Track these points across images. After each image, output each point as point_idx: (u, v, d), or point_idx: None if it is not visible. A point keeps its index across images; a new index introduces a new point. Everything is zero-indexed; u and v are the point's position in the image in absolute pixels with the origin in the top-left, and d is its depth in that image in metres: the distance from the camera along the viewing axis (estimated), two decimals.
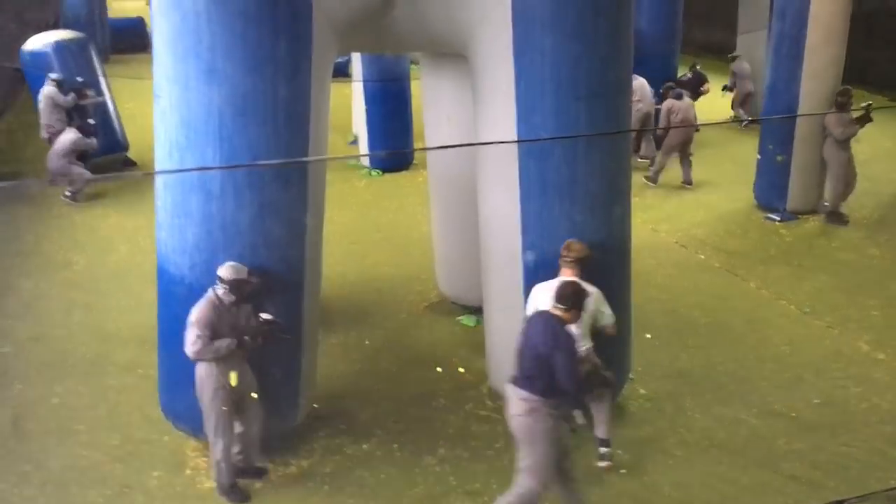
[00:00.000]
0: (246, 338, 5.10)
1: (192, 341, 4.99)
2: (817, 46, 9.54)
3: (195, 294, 5.24)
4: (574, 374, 4.63)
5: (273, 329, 5.22)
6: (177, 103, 5.18)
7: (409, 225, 10.00)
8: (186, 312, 5.14)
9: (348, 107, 13.26)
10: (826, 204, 10.03)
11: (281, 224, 5.35)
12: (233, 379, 5.06)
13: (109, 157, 12.04)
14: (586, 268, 5.38)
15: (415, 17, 5.70)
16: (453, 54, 6.55)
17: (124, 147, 12.49)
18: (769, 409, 6.21)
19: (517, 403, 4.73)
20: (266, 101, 5.13)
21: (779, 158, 10.01)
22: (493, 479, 5.45)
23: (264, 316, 5.19)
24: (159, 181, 5.48)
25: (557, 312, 4.76)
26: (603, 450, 5.58)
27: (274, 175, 5.23)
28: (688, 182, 11.58)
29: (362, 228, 10.05)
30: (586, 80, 5.48)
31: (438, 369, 6.73)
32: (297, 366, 5.66)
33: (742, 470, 5.50)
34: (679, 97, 11.45)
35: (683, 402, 6.33)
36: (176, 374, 5.55)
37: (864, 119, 9.46)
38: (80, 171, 10.78)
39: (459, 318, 7.68)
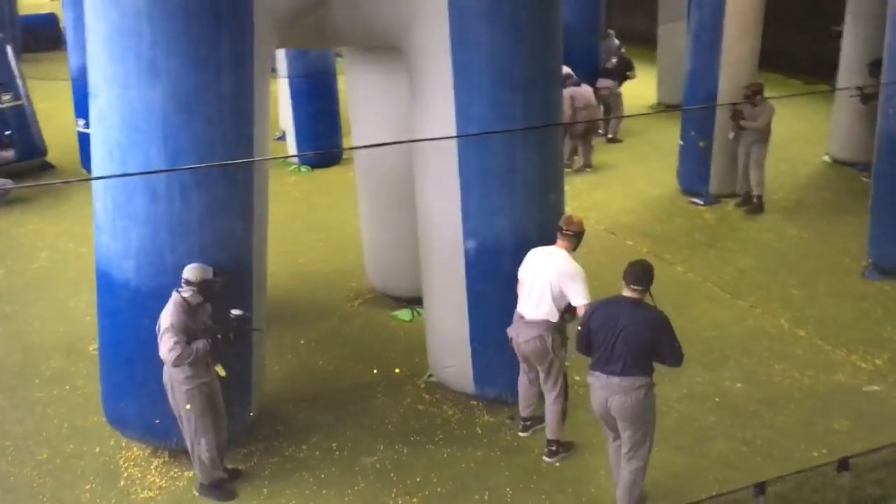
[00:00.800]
0: (219, 336, 5.07)
1: (169, 348, 4.89)
2: (734, 36, 9.82)
3: (141, 297, 5.20)
4: (680, 352, 4.79)
5: (244, 323, 5.20)
6: (116, 103, 5.09)
7: (341, 221, 9.94)
8: (132, 317, 5.11)
9: (274, 102, 13.06)
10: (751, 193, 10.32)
11: (229, 221, 5.32)
12: (220, 370, 5.06)
13: (27, 163, 11.64)
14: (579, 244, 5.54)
15: (351, 12, 5.73)
16: (381, 48, 6.59)
17: (42, 152, 12.09)
18: (698, 390, 6.40)
19: (623, 387, 4.74)
20: (210, 96, 5.10)
21: (700, 144, 10.28)
22: (434, 474, 5.50)
23: (235, 311, 5.15)
24: (99, 182, 5.34)
25: (636, 295, 4.85)
26: (552, 447, 5.68)
27: (221, 172, 5.18)
28: (588, 165, 11.98)
29: (294, 226, 9.95)
30: (522, 71, 5.63)
31: (374, 371, 6.72)
32: (249, 364, 5.63)
33: (674, 452, 5.66)
34: (578, 84, 11.70)
35: None
36: (122, 381, 5.48)
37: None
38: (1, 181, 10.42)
39: (394, 312, 7.70)
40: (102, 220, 5.34)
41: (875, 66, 10.32)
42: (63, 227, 9.73)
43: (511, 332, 5.55)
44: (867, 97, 10.37)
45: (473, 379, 6.17)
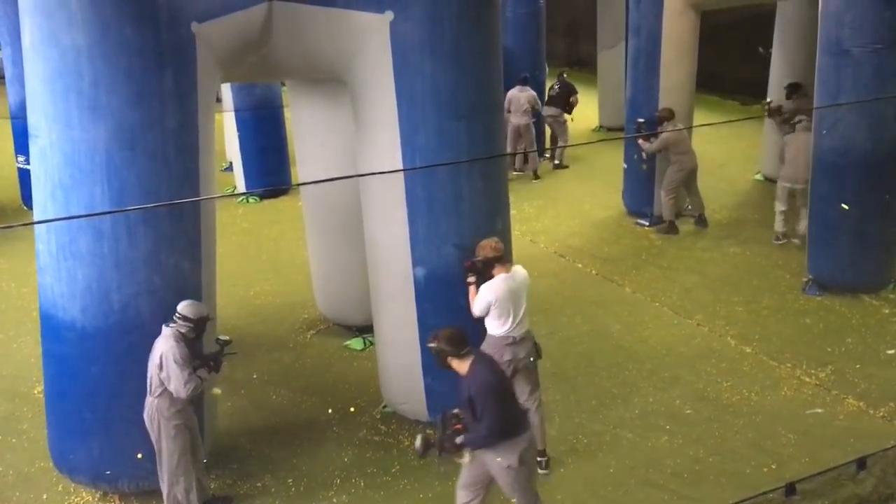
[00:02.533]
0: (211, 363, 5.12)
1: (185, 380, 4.91)
2: (671, 61, 10.11)
3: (88, 338, 5.12)
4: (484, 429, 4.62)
5: (227, 348, 5.23)
6: (58, 142, 5.01)
7: (290, 252, 9.89)
8: (79, 359, 5.03)
9: (220, 133, 12.99)
10: (690, 208, 10.58)
11: (177, 258, 5.27)
12: (217, 391, 5.20)
13: None
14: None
15: (294, 45, 5.76)
16: (324, 80, 6.64)
17: None
18: (650, 409, 6.50)
19: (510, 455, 4.60)
20: (154, 133, 5.06)
21: (643, 167, 10.51)
22: None
23: (222, 337, 5.24)
24: (41, 224, 5.25)
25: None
26: (540, 459, 5.70)
27: (167, 209, 5.13)
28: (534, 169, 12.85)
29: (243, 259, 9.87)
30: (465, 101, 5.73)
31: (329, 403, 6.68)
32: (202, 400, 5.54)
33: (629, 472, 5.74)
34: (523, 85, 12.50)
35: (571, 409, 6.54)
36: (70, 425, 5.35)
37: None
38: None
39: (346, 342, 7.67)
40: (46, 262, 5.23)
41: (791, 89, 10.77)
42: (2, 267, 9.48)
43: (507, 355, 5.52)
44: (773, 112, 10.85)
45: (427, 407, 6.17)
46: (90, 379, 5.15)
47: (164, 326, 5.02)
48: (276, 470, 5.86)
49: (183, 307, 5.02)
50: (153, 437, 5.08)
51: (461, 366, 4.67)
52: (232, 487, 5.68)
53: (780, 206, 9.77)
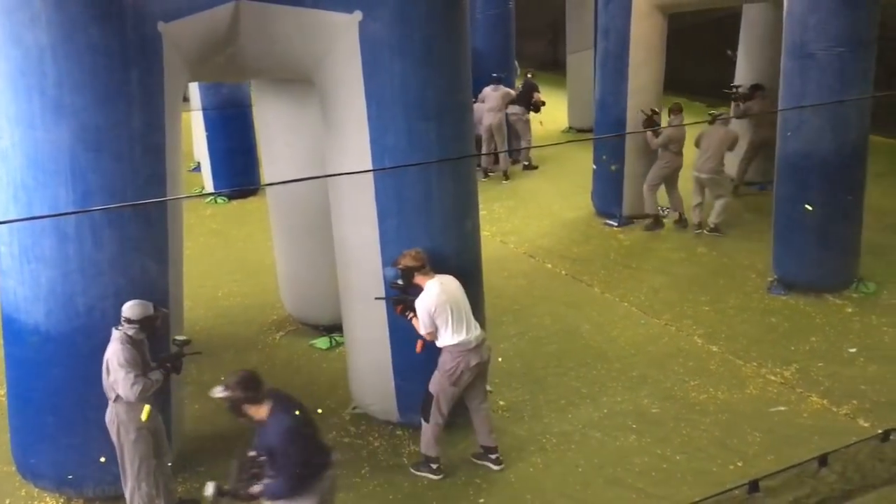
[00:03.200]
0: (169, 364, 5.01)
1: (131, 383, 4.77)
2: (639, 64, 10.20)
3: (52, 342, 5.04)
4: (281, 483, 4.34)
5: (186, 349, 5.13)
6: (21, 143, 4.93)
7: (259, 253, 9.82)
8: (43, 363, 4.95)
9: (188, 133, 12.89)
10: (667, 210, 10.69)
11: (144, 260, 5.21)
12: (145, 413, 4.90)
13: None
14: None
15: (262, 45, 5.72)
16: (291, 80, 6.61)
17: None
18: (619, 408, 6.55)
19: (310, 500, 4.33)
20: (120, 134, 5.00)
21: (612, 168, 10.59)
22: None
23: (179, 338, 5.12)
24: (3, 226, 5.15)
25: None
26: (493, 455, 5.77)
27: (133, 210, 5.08)
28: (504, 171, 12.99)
29: (211, 260, 9.79)
30: (434, 101, 5.73)
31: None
32: (169, 402, 5.50)
33: (597, 471, 5.77)
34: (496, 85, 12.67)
35: (540, 409, 6.57)
36: (34, 429, 5.28)
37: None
38: None
39: (312, 341, 7.64)
40: (8, 265, 5.15)
41: (754, 89, 11.00)
42: None
43: (463, 363, 5.50)
44: (739, 97, 11.14)
45: (398, 408, 6.17)
46: (53, 383, 5.08)
47: (113, 330, 4.91)
48: None
49: (126, 308, 4.91)
50: (115, 442, 5.00)
51: (259, 411, 4.28)
52: (199, 491, 5.61)
53: (695, 199, 10.18)
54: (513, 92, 13.02)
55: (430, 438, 5.67)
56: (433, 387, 5.61)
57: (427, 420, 5.64)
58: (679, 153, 10.15)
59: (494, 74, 12.69)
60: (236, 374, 4.33)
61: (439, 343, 5.54)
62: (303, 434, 4.30)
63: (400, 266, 5.59)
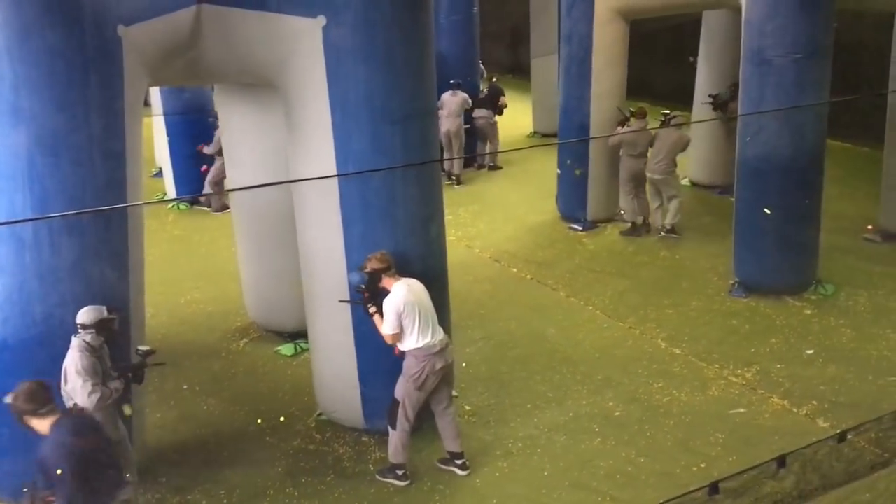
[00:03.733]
0: (129, 374, 4.93)
1: (89, 392, 4.66)
2: (602, 69, 10.29)
3: (10, 350, 4.97)
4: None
5: (149, 359, 5.05)
6: None
7: (222, 259, 9.71)
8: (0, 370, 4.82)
9: (150, 138, 12.72)
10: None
11: (103, 267, 5.13)
12: (127, 408, 4.89)
13: None
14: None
15: (224, 49, 5.68)
16: (254, 85, 6.56)
17: None
18: (584, 411, 6.59)
19: None
20: (79, 138, 4.93)
21: (577, 172, 10.66)
22: None
23: (142, 348, 5.04)
24: None
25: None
26: (458, 461, 5.77)
27: (92, 217, 4.99)
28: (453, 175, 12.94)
29: (173, 266, 9.66)
30: (399, 106, 5.72)
31: (262, 412, 6.59)
32: (129, 421, 5.37)
33: (563, 473, 5.80)
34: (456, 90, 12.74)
35: (506, 413, 6.58)
36: None
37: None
38: None
39: (277, 348, 7.59)
40: None
41: (734, 89, 11.13)
42: None
43: (428, 367, 5.49)
44: (718, 105, 11.24)
45: (364, 414, 6.14)
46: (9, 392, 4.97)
47: (72, 338, 4.83)
48: (206, 482, 5.74)
49: (80, 315, 4.83)
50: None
51: (41, 425, 4.15)
52: (161, 502, 5.55)
53: (654, 202, 10.40)
54: (469, 99, 13.01)
55: (398, 445, 5.66)
56: (399, 392, 5.59)
57: (394, 427, 5.62)
58: (638, 156, 10.24)
59: (452, 81, 12.72)
60: (27, 383, 4.22)
61: (404, 346, 5.52)
62: (82, 454, 4.12)
63: (367, 269, 5.56)
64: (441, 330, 5.63)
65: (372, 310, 5.57)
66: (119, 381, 4.91)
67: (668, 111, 10.36)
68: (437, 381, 5.59)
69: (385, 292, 5.54)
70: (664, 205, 10.35)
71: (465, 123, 13.30)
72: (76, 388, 4.72)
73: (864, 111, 10.94)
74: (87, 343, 4.81)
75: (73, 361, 4.73)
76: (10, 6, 4.67)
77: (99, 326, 4.83)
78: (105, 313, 4.88)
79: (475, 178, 13.35)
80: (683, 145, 10.14)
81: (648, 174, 10.19)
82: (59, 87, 4.83)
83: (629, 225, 10.53)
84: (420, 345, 5.48)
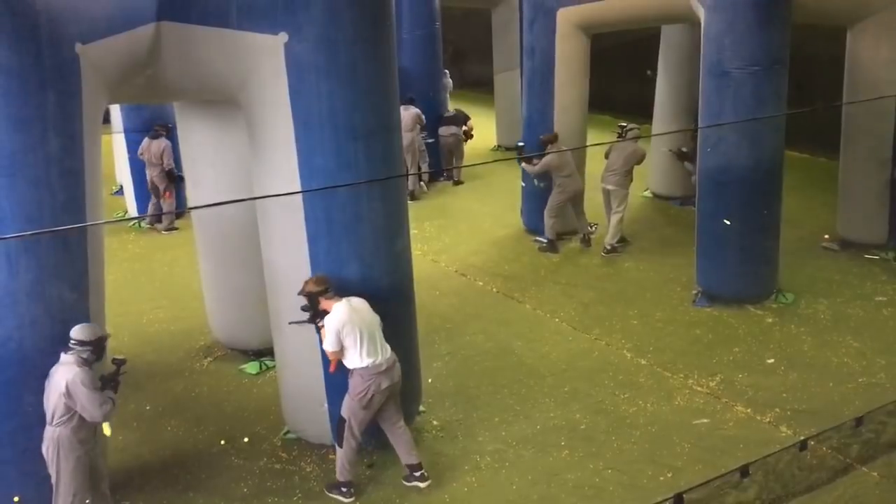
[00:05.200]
0: (112, 384, 5.02)
1: (100, 402, 4.83)
2: (565, 82, 10.40)
3: None
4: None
5: (123, 368, 5.11)
6: None
7: (185, 277, 9.60)
8: None
9: (110, 155, 12.56)
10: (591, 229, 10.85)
11: (62, 288, 5.05)
12: (107, 429, 4.98)
13: None
14: None
15: (185, 67, 5.64)
16: (214, 102, 6.52)
17: None
18: (551, 424, 6.60)
19: None
20: (36, 158, 4.84)
21: (540, 185, 10.73)
22: None
23: (117, 357, 5.09)
24: None
25: None
26: (417, 473, 5.74)
27: (50, 238, 4.92)
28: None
29: (134, 285, 9.53)
30: (362, 121, 5.71)
31: (227, 432, 6.50)
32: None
33: (531, 487, 5.80)
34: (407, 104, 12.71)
35: (474, 427, 6.57)
36: None
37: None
38: None
39: (242, 366, 7.51)
40: None
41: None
42: None
43: (373, 386, 5.48)
44: (682, 155, 11.44)
45: (331, 430, 6.08)
46: None
47: (62, 354, 4.87)
48: None
49: (77, 332, 4.89)
50: (51, 470, 4.87)
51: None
52: None
53: (606, 213, 10.48)
54: (422, 115, 13.02)
55: (344, 463, 5.65)
56: (345, 411, 5.58)
57: (340, 445, 5.62)
58: (570, 176, 10.31)
59: (407, 96, 12.71)
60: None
61: (349, 364, 5.52)
62: None
63: (304, 292, 5.58)
64: (388, 348, 5.61)
65: (320, 324, 5.58)
66: (111, 391, 4.98)
67: (624, 123, 10.49)
68: (383, 400, 5.58)
69: (327, 313, 5.55)
70: (584, 218, 10.56)
71: (431, 139, 13.36)
72: (85, 402, 4.78)
73: (821, 122, 11.17)
74: (83, 359, 4.85)
75: (79, 376, 4.78)
76: None
77: (96, 344, 4.91)
78: (101, 332, 4.99)
79: (440, 192, 13.39)
80: (639, 158, 10.25)
81: (603, 185, 10.32)
82: (15, 106, 4.75)
83: (548, 243, 10.54)
84: (365, 364, 5.48)
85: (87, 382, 4.80)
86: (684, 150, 11.48)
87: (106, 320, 5.67)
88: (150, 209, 11.48)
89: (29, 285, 4.91)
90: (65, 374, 4.78)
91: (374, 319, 5.57)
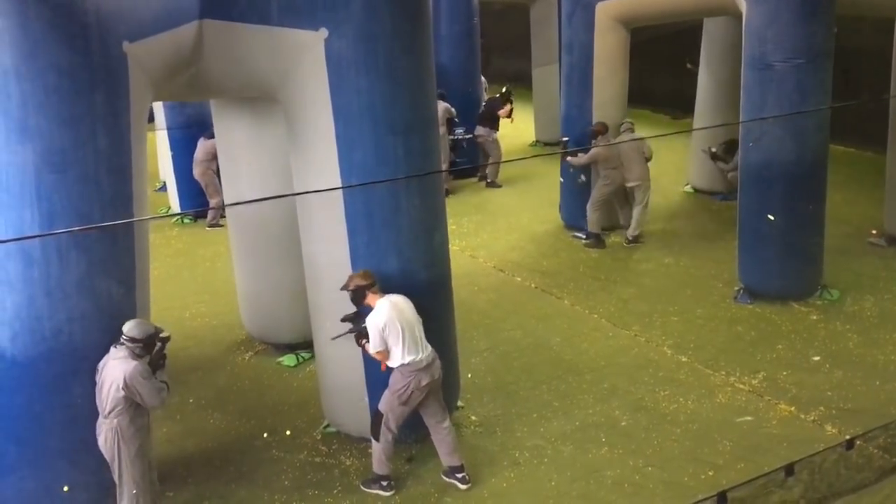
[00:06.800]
0: (160, 362, 5.16)
1: (158, 389, 5.00)
2: (603, 76, 10.31)
3: (18, 367, 4.96)
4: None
5: (165, 345, 5.21)
6: None
7: (226, 272, 9.69)
8: (8, 388, 4.91)
9: (153, 153, 12.77)
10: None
11: (110, 282, 5.14)
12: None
13: None
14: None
15: (227, 64, 5.71)
16: (250, 100, 6.60)
17: None
18: (590, 420, 6.57)
19: None
20: (86, 155, 4.94)
21: (580, 180, 10.67)
22: None
23: (162, 334, 5.17)
24: None
25: None
26: (459, 475, 5.75)
27: (99, 232, 5.02)
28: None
29: (177, 280, 9.68)
30: (400, 116, 5.75)
31: (268, 425, 6.58)
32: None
33: (571, 483, 5.78)
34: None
35: (512, 423, 6.56)
36: (2, 458, 5.15)
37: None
38: None
39: (279, 359, 7.59)
40: None
41: (728, 146, 11.12)
42: None
43: (413, 383, 5.51)
44: (715, 156, 11.34)
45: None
46: (16, 410, 4.99)
47: (112, 348, 4.97)
48: (213, 497, 5.73)
49: (130, 328, 4.97)
50: (112, 461, 4.98)
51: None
52: None
53: (622, 208, 10.63)
54: (452, 109, 12.84)
55: (381, 457, 5.68)
56: (383, 406, 5.61)
57: (377, 439, 5.65)
58: (616, 168, 10.26)
59: (438, 91, 12.62)
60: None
61: (391, 363, 5.54)
62: None
63: (350, 287, 5.60)
64: (428, 345, 5.62)
65: (364, 342, 5.61)
66: (161, 372, 5.11)
67: (712, 148, 10.74)
68: (422, 397, 5.60)
69: (369, 309, 5.56)
70: (630, 211, 10.53)
71: (469, 134, 13.28)
72: (143, 392, 4.91)
73: (867, 116, 10.95)
74: (137, 354, 4.96)
75: (135, 370, 4.88)
76: (18, 25, 4.69)
77: (147, 341, 5.00)
78: (152, 329, 5.06)
79: (478, 188, 13.36)
80: (649, 151, 10.34)
81: (629, 183, 10.29)
82: (66, 104, 4.85)
83: (592, 238, 10.51)
84: (406, 361, 5.50)
85: (146, 374, 4.93)
86: (713, 149, 11.35)
87: (150, 314, 5.78)
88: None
89: (79, 280, 5.01)
90: (121, 367, 4.88)
91: (415, 317, 5.58)
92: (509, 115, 13.43)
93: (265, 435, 6.45)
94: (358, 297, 5.60)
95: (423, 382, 5.53)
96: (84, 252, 5.02)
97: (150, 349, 5.06)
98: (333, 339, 5.85)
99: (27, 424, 5.07)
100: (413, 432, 5.98)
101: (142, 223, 5.43)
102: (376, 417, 5.62)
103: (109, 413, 4.93)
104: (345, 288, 5.62)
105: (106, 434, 4.96)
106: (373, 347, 5.51)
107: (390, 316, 5.46)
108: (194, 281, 9.75)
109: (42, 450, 5.09)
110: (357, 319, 5.71)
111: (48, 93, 4.79)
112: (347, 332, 5.73)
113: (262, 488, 5.82)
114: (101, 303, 5.10)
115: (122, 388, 4.87)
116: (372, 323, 5.47)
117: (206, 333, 8.33)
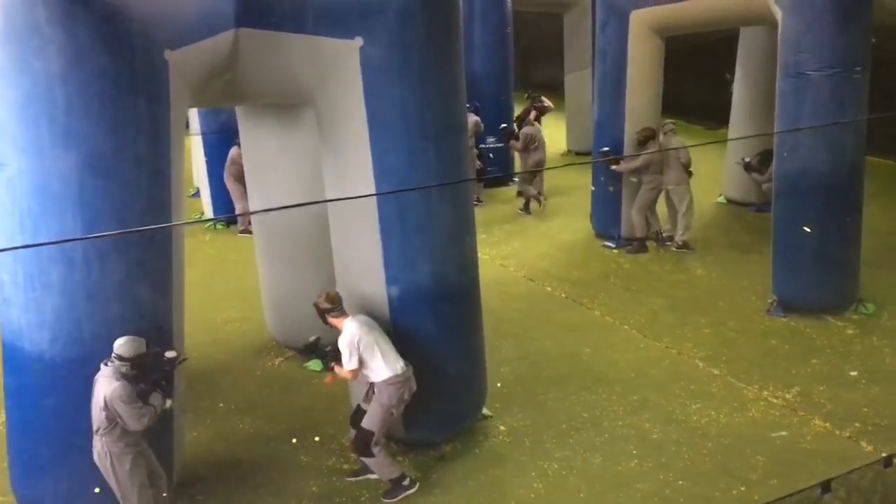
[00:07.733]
0: (162, 382, 5.00)
1: (140, 415, 4.80)
2: (636, 85, 10.26)
3: (58, 369, 5.02)
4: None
5: (177, 363, 5.12)
6: (28, 170, 4.92)
7: (258, 278, 9.78)
8: (45, 390, 4.95)
9: (188, 158, 12.91)
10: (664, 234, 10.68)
11: (148, 286, 5.21)
12: (168, 402, 5.00)
13: None
14: None
15: (262, 71, 5.78)
16: (278, 106, 6.65)
17: None
18: (620, 432, 6.51)
19: None
20: (128, 160, 5.02)
21: (610, 189, 10.61)
22: None
23: (169, 354, 5.09)
24: (6, 254, 5.12)
25: None
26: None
27: (139, 237, 5.09)
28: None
29: (210, 285, 9.76)
30: (433, 123, 5.81)
31: (297, 431, 6.59)
32: (170, 431, 5.47)
33: (600, 496, 5.72)
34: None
35: (541, 434, 6.52)
36: (31, 460, 5.24)
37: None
38: None
39: (305, 364, 7.61)
40: (11, 293, 5.11)
41: (764, 158, 10.97)
42: None
43: (405, 392, 5.59)
44: (749, 167, 11.23)
45: (402, 424, 6.12)
46: (51, 412, 5.06)
47: (102, 365, 4.86)
48: (241, 502, 5.76)
49: (119, 346, 4.84)
50: (107, 477, 4.94)
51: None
52: None
53: (670, 212, 10.62)
54: (480, 122, 12.70)
55: (383, 465, 5.71)
56: (374, 424, 5.60)
57: (370, 455, 5.65)
58: (660, 173, 10.27)
59: (474, 103, 12.61)
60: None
61: (376, 378, 5.55)
62: None
63: (315, 305, 5.64)
64: (400, 358, 5.64)
65: (332, 365, 5.68)
66: (158, 395, 4.96)
67: (746, 158, 10.70)
68: (403, 406, 5.67)
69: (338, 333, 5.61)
70: (676, 216, 10.48)
71: (500, 143, 13.26)
72: (124, 415, 4.79)
73: None
74: (123, 373, 4.83)
75: (116, 392, 4.74)
76: (64, 32, 4.77)
77: (135, 360, 4.85)
78: (143, 347, 4.89)
79: (509, 197, 13.33)
80: (687, 156, 10.29)
81: (668, 187, 10.31)
82: (110, 110, 4.92)
83: (636, 243, 10.50)
84: (397, 370, 5.54)
85: (125, 397, 4.75)
86: (747, 160, 11.23)
87: (184, 318, 5.84)
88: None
89: (118, 284, 5.06)
90: (106, 387, 4.78)
91: (383, 333, 5.65)
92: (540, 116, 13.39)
93: (294, 440, 6.47)
94: (321, 316, 5.65)
95: (406, 397, 5.62)
96: (123, 256, 5.08)
97: (140, 368, 4.88)
98: (305, 346, 5.87)
99: (61, 426, 5.13)
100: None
101: (178, 229, 5.50)
102: (366, 437, 5.61)
103: (97, 430, 4.87)
104: (314, 305, 5.65)
105: (98, 450, 4.91)
106: (349, 365, 5.51)
107: (361, 331, 5.52)
108: (225, 286, 9.83)
109: (75, 451, 5.14)
110: (319, 346, 5.81)
111: (93, 99, 4.86)
112: (317, 358, 5.77)
113: (291, 495, 5.83)
114: (139, 307, 5.16)
115: (103, 409, 4.79)
116: (344, 341, 5.51)
117: (237, 338, 8.39)
